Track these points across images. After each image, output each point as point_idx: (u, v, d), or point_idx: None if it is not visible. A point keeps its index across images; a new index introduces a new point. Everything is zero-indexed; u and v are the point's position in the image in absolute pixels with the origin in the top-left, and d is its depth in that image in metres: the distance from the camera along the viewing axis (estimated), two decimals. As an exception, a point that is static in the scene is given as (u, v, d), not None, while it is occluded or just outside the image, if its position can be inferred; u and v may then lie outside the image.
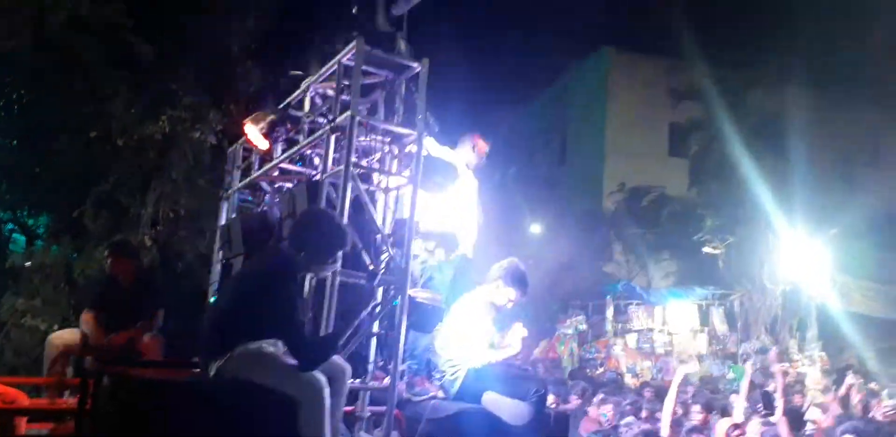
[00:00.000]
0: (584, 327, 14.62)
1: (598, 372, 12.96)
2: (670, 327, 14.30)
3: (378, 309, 3.93)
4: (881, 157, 17.73)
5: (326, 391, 3.10)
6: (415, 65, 4.33)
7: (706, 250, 14.00)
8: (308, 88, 4.91)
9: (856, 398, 8.00)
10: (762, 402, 5.95)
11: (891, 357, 13.07)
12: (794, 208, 12.85)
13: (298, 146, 4.79)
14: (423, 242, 4.62)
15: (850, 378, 8.43)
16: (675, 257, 16.07)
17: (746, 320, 13.18)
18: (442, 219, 4.64)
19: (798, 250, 12.00)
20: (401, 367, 4.37)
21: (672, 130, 19.77)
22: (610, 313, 14.84)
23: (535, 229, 18.87)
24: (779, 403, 6.14)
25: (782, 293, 12.55)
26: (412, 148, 4.21)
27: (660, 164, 19.12)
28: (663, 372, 12.86)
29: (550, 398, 6.47)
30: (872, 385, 9.52)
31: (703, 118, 16.59)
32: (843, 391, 8.16)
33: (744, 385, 7.41)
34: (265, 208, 5.31)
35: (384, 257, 3.97)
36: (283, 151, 5.06)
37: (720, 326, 13.54)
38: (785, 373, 8.93)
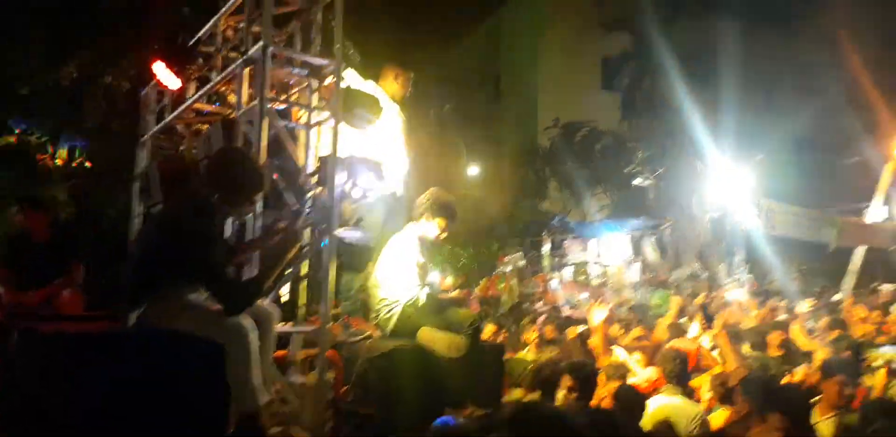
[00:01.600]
0: (522, 263, 14.84)
1: (536, 306, 13.23)
2: (604, 258, 14.67)
3: (305, 250, 3.81)
4: (804, 84, 18.16)
5: (253, 336, 3.00)
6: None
7: (637, 181, 14.24)
8: (219, 21, 4.60)
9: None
10: (704, 317, 6.27)
11: (811, 277, 13.79)
12: (721, 137, 13.12)
13: (211, 84, 4.51)
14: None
15: (772, 302, 8.90)
16: (609, 190, 16.34)
17: (677, 248, 13.58)
18: (368, 156, 4.48)
19: (725, 178, 12.30)
20: (335, 309, 4.32)
21: (604, 65, 19.76)
22: (547, 248, 15.11)
23: (473, 168, 18.78)
24: (718, 319, 6.51)
25: (711, 220, 12.93)
26: (332, 80, 4.01)
27: (593, 98, 19.16)
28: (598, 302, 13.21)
29: (489, 329, 6.61)
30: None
31: (633, 51, 16.61)
32: (764, 311, 8.62)
33: (672, 312, 7.76)
34: (182, 152, 5.05)
35: (308, 196, 3.83)
36: (197, 91, 4.77)
37: (652, 255, 13.94)
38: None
